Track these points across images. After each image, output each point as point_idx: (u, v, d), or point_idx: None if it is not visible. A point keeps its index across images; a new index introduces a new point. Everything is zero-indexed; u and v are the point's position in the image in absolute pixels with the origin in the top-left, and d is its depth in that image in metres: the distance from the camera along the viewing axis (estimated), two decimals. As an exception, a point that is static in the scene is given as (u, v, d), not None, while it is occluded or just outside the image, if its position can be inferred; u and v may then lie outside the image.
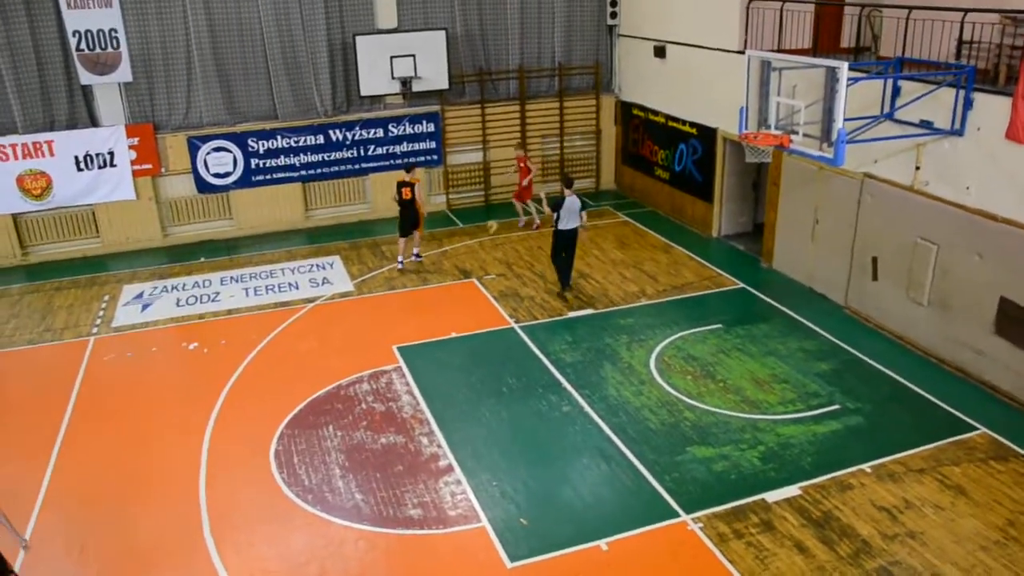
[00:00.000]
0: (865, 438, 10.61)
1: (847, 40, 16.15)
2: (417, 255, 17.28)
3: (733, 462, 10.18)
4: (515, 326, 14.10)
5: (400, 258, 17.08)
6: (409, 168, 16.87)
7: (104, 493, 10.22)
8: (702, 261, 16.70)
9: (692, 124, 18.33)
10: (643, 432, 10.87)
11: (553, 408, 11.53)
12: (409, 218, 16.71)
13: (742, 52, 15.61)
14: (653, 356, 12.85)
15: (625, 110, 21.32)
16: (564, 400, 11.71)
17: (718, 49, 16.93)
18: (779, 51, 14.65)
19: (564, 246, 14.95)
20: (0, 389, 13.17)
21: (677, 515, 9.29)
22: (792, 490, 9.62)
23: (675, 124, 19.02)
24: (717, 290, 15.35)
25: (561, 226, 14.70)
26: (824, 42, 15.64)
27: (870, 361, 12.55)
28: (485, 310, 14.80)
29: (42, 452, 11.13)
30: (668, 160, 19.51)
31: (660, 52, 19.10)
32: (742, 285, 15.47)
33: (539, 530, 9.15)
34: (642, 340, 13.38)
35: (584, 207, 15.04)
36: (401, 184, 16.65)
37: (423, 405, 11.72)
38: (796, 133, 11.86)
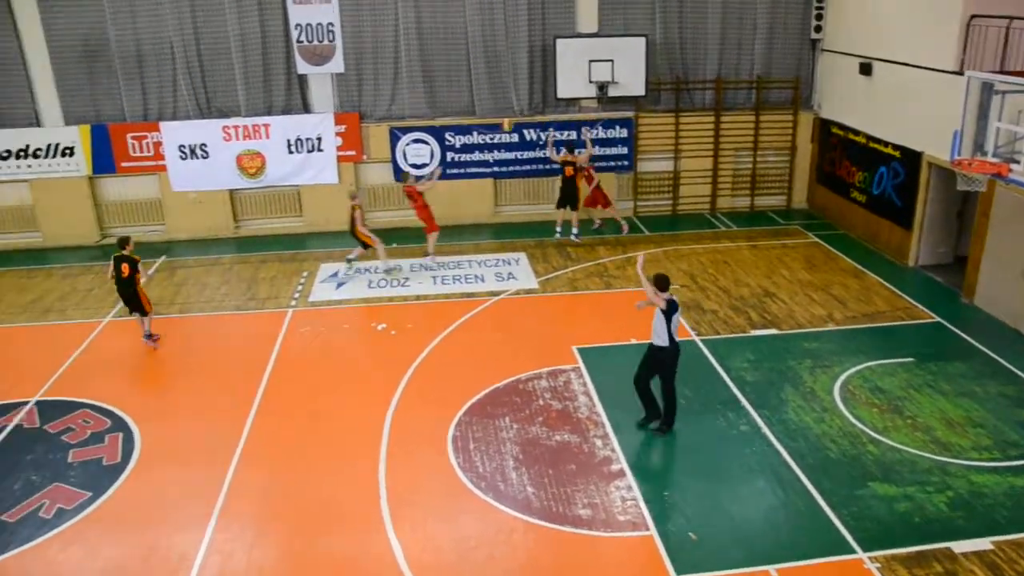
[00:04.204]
0: (1070, 497, 9.88)
1: (1082, 65, 15.03)
2: (576, 234, 18.76)
3: (918, 504, 9.72)
4: (696, 339, 13.99)
5: (558, 229, 18.99)
6: (572, 148, 18.49)
7: (293, 455, 11.01)
8: (895, 290, 15.96)
9: (895, 146, 17.52)
10: (822, 461, 10.56)
11: (731, 425, 11.39)
12: (569, 194, 18.46)
13: (960, 73, 14.80)
14: (837, 384, 12.43)
15: (824, 128, 20.64)
16: (742, 418, 11.55)
17: (932, 68, 16.11)
18: (1003, 72, 13.79)
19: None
20: (210, 348, 14.39)
21: (853, 551, 8.98)
22: (983, 543, 9.08)
23: (876, 145, 18.25)
24: (910, 322, 14.64)
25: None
26: (1056, 66, 14.62)
27: (1080, 414, 11.66)
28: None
29: (241, 411, 12.07)
30: (866, 182, 18.75)
31: (866, 69, 18.36)
32: (938, 319, 14.68)
33: (708, 546, 9.09)
34: (827, 366, 12.97)
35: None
36: (564, 163, 18.34)
37: (599, 407, 11.86)
38: (1017, 162, 11.18)
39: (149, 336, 14.35)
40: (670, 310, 10.60)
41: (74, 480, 10.61)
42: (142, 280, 14.04)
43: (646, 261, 11.12)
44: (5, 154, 19.14)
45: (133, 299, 14.10)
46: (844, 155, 19.67)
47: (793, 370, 12.88)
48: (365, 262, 17.69)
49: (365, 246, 17.17)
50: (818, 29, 20.32)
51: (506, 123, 19.18)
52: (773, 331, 14.22)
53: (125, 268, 13.84)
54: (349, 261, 17.51)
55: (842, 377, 12.64)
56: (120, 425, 11.87)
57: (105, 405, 12.41)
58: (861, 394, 12.15)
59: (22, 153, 19.19)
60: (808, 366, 12.99)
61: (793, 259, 17.73)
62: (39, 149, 19.21)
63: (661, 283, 10.71)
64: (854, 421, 11.44)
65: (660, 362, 10.92)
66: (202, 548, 9.26)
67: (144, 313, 14.27)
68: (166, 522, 9.77)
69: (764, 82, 20.59)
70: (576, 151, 18.59)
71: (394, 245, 18.90)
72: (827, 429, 11.26)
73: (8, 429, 11.85)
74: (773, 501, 9.84)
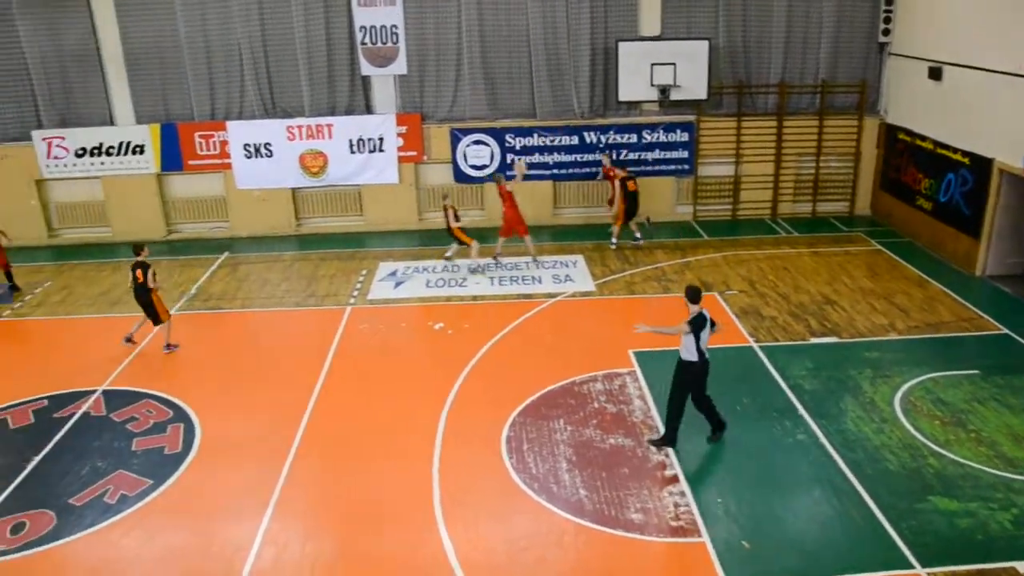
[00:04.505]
0: None
1: None
2: (638, 237, 18.94)
3: (980, 521, 9.47)
4: (754, 345, 13.84)
5: (614, 240, 18.89)
6: (624, 166, 18.85)
7: (349, 450, 11.19)
8: (961, 300, 15.56)
9: (964, 153, 17.10)
10: (881, 472, 10.35)
11: (787, 434, 11.24)
12: (635, 207, 18.53)
13: (1036, 79, 14.44)
14: (899, 395, 12.17)
15: (889, 133, 20.23)
16: (799, 427, 11.38)
17: (1006, 72, 15.68)
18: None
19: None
20: (270, 343, 14.68)
21: (911, 566, 8.78)
22: (1050, 563, 8.83)
23: (944, 151, 17.83)
24: (976, 333, 14.26)
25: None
26: None
27: None
28: (724, 326, 14.54)
29: (299, 406, 12.29)
30: (932, 189, 18.33)
31: (935, 74, 17.95)
32: (1006, 331, 14.26)
33: (761, 555, 8.98)
34: (887, 376, 12.71)
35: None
36: (625, 179, 18.29)
37: (654, 412, 11.79)
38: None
39: (168, 346, 14.38)
40: (696, 328, 10.26)
41: (137, 468, 10.93)
42: (150, 284, 13.97)
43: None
44: (80, 151, 19.79)
45: (149, 306, 14.16)
46: (910, 161, 19.26)
47: (853, 379, 12.65)
48: (424, 261, 17.85)
49: (461, 243, 17.64)
50: (886, 32, 19.91)
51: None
52: (833, 339, 13.99)
53: (140, 274, 13.93)
54: (448, 258, 18.07)
55: (903, 388, 12.37)
56: (181, 416, 12.18)
57: (168, 396, 12.75)
58: (923, 406, 11.88)
59: (96, 151, 19.83)
60: (868, 376, 12.75)
61: (855, 266, 17.41)
62: (112, 147, 19.82)
63: (692, 295, 10.41)
64: (915, 433, 11.19)
65: (694, 376, 10.57)
66: (258, 539, 9.45)
67: (158, 322, 14.27)
68: (224, 512, 10.01)
69: (829, 86, 20.25)
70: (624, 168, 18.74)
71: (454, 246, 19.02)
72: (887, 440, 11.03)
73: (77, 416, 12.25)
74: (829, 512, 9.69)
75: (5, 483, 10.68)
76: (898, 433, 11.20)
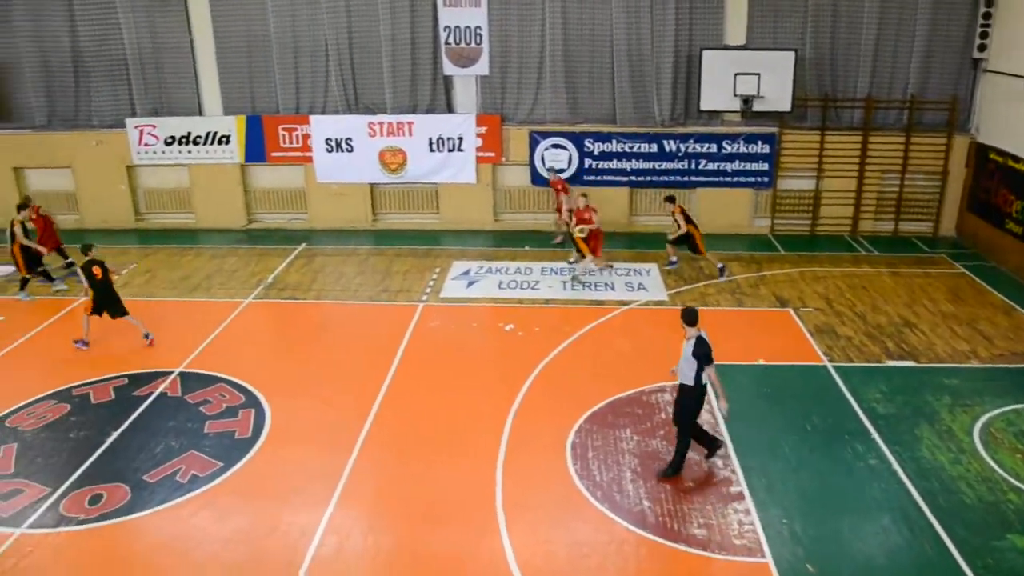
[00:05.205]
0: None
1: None
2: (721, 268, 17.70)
3: (1062, 562, 9.13)
4: (828, 364, 13.54)
5: (720, 265, 17.62)
6: (673, 199, 17.78)
7: (414, 446, 11.30)
8: (1050, 330, 15.03)
9: (1061, 177, 16.50)
10: (956, 505, 10.03)
11: (858, 458, 10.96)
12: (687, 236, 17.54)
13: None
14: (978, 425, 11.77)
15: (980, 153, 19.59)
16: (871, 452, 11.09)
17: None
18: None
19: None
20: (342, 335, 14.93)
21: (985, 604, 8.53)
22: None
23: (1039, 174, 17.23)
24: (1065, 366, 13.75)
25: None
26: None
27: None
28: (798, 343, 14.35)
29: (368, 399, 12.47)
30: (1024, 213, 17.72)
31: (1033, 93, 17.37)
32: (1097, 365, 13.73)
33: (826, 580, 8.82)
34: (967, 405, 12.31)
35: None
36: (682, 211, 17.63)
37: (722, 427, 11.60)
38: None
39: (147, 335, 14.38)
40: (709, 359, 10.04)
41: (208, 450, 11.22)
42: (115, 278, 14.11)
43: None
44: (169, 140, 20.45)
45: (119, 300, 14.23)
46: (1001, 182, 18.63)
47: (930, 406, 12.29)
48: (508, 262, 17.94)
49: (580, 251, 17.21)
50: (982, 48, 19.26)
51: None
52: (910, 363, 13.62)
53: (98, 271, 13.89)
54: (570, 263, 17.91)
55: (984, 418, 11.96)
56: (253, 401, 12.47)
57: (241, 381, 13.06)
58: (1004, 438, 11.47)
59: (184, 140, 20.44)
60: (947, 403, 12.37)
61: (936, 289, 16.91)
62: (199, 136, 20.42)
63: (690, 317, 10.15)
64: (994, 466, 10.81)
65: (694, 399, 10.31)
66: (321, 526, 9.62)
67: (119, 314, 14.22)
68: (290, 498, 10.19)
69: (918, 102, 19.70)
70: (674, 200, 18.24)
71: (527, 248, 19.10)
72: (963, 472, 10.68)
73: (154, 396, 12.64)
74: (899, 541, 9.43)
75: (87, 454, 11.12)
76: (976, 465, 10.84)
